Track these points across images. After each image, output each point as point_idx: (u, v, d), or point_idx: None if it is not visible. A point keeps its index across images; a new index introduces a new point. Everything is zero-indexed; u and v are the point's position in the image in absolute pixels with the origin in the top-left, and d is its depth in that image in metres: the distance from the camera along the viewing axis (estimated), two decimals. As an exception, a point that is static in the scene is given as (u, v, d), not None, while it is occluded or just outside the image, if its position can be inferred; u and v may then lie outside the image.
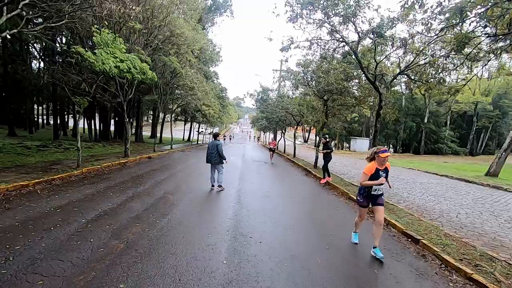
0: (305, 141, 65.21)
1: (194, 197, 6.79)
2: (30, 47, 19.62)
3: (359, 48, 7.98)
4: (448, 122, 44.05)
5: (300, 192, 8.31)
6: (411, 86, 7.51)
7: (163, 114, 32.71)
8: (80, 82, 9.96)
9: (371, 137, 44.60)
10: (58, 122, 19.17)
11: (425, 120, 41.65)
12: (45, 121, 41.96)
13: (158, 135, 33.97)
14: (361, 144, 41.93)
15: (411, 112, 42.75)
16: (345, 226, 5.30)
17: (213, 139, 7.94)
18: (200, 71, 18.16)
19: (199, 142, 33.25)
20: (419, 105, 43.66)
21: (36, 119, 38.35)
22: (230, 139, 47.21)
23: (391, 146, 50.98)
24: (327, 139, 9.57)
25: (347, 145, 54.07)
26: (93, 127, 24.99)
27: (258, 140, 51.89)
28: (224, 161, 7.81)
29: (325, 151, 9.64)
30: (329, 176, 9.52)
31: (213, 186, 7.86)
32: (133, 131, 32.05)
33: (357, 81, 10.51)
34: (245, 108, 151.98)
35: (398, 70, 7.80)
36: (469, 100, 42.46)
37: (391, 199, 7.60)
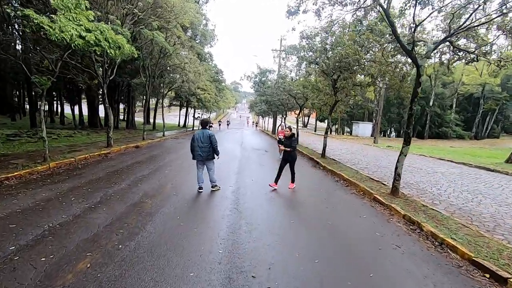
0: (305, 125, 63.69)
1: (178, 202, 5.33)
2: None
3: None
4: (454, 105, 42.38)
5: (311, 190, 6.86)
6: (453, 58, 5.94)
7: (155, 99, 30.88)
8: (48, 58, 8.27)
9: (374, 121, 43.10)
10: (44, 108, 17.41)
11: (431, 103, 40.03)
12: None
13: (152, 121, 32.32)
14: (364, 128, 40.46)
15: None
16: (385, 249, 3.88)
17: (201, 129, 6.19)
18: (192, 49, 16.32)
19: (194, 128, 31.60)
20: (425, 87, 41.87)
21: (22, 105, 36.47)
22: (227, 124, 44.61)
23: (393, 130, 49.62)
24: (291, 130, 7.33)
25: (348, 129, 52.65)
26: (78, 113, 23.24)
27: (256, 125, 50.10)
28: (216, 156, 6.30)
29: (286, 148, 7.12)
30: (293, 181, 7.08)
31: (201, 188, 6.20)
32: (126, 117, 30.30)
33: (370, 54, 8.86)
34: (242, 93, 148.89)
35: (432, 38, 6.21)
36: (476, 82, 40.71)
37: (422, 198, 6.20)
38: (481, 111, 42.81)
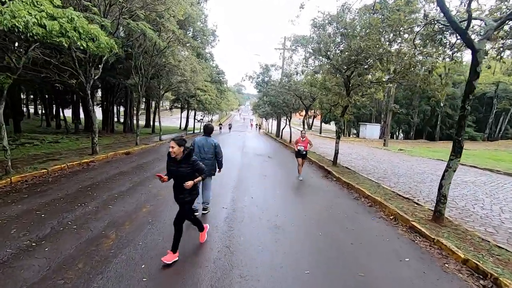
0: (309, 127, 62.16)
1: (151, 236, 4.00)
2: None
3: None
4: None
5: (327, 213, 5.46)
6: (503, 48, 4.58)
7: (149, 101, 29.71)
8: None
9: (382, 122, 41.47)
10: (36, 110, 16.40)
11: (441, 103, 38.30)
12: (37, 111, 39.06)
13: (152, 124, 31.19)
14: (372, 130, 38.85)
15: (426, 94, 39.28)
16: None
17: (204, 136, 4.89)
18: (189, 46, 15.08)
19: (195, 131, 30.40)
20: (434, 88, 40.13)
21: (22, 108, 35.62)
22: (229, 128, 42.41)
23: (401, 131, 47.84)
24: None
25: (355, 131, 50.98)
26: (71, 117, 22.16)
27: (260, 128, 48.62)
28: (218, 170, 5.01)
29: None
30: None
31: (194, 211, 4.80)
32: (124, 120, 29.18)
33: (397, 44, 7.46)
34: (246, 95, 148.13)
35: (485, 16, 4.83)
36: (489, 81, 38.86)
37: (470, 223, 4.80)
38: (494, 111, 40.92)
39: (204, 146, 4.76)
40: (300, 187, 7.53)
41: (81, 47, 6.18)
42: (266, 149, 16.84)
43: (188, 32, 23.24)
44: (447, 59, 7.10)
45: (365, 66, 8.38)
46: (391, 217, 4.98)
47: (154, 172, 8.28)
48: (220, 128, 38.14)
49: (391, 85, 8.88)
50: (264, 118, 41.37)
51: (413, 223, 4.42)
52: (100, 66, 10.60)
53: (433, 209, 5.27)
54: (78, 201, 5.41)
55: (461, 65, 11.18)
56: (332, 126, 59.81)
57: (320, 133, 49.39)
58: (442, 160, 15.29)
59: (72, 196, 5.74)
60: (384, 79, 8.38)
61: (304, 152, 8.13)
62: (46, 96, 26.44)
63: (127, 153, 12.20)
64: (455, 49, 6.04)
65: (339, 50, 8.60)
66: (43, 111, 30.30)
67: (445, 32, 5.86)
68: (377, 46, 6.58)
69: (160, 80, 16.71)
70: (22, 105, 35.98)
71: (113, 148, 13.10)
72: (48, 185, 6.54)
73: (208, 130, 4.92)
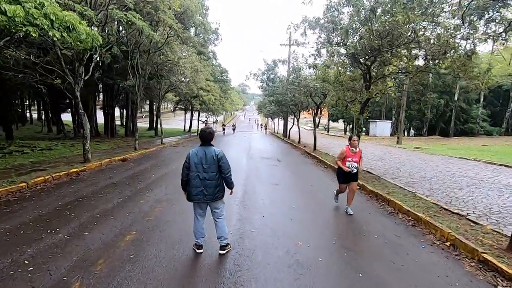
0: (316, 126, 60.77)
1: (131, 284, 2.92)
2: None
3: None
4: (482, 99, 38.66)
5: (361, 238, 4.26)
6: None
7: (152, 103, 28.78)
8: None
9: (393, 119, 39.90)
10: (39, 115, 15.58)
11: (455, 98, 36.58)
12: (40, 116, 38.48)
13: (155, 126, 30.31)
14: (382, 127, 37.37)
15: (439, 89, 37.57)
16: None
17: (202, 147, 3.53)
18: (189, 43, 14.06)
19: (199, 133, 29.38)
20: (447, 80, 38.38)
21: (25, 113, 35.18)
22: (233, 129, 39.93)
23: (411, 128, 46.09)
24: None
25: (364, 128, 49.39)
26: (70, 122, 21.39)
27: (266, 128, 47.29)
28: (230, 191, 3.69)
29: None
30: None
31: (200, 247, 3.60)
32: (125, 123, 28.34)
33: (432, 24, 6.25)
34: (250, 94, 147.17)
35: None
36: (505, 72, 36.95)
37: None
38: (511, 105, 38.98)
39: (203, 160, 3.43)
40: (316, 196, 6.38)
41: (54, 38, 5.14)
42: (274, 151, 15.72)
43: (188, 27, 22.19)
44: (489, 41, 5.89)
45: (389, 54, 7.18)
46: (447, 244, 3.80)
47: (148, 185, 7.23)
48: (224, 129, 36.44)
49: (408, 76, 7.62)
50: (270, 118, 40.21)
51: (485, 255, 3.24)
52: (90, 64, 9.63)
53: (496, 229, 4.09)
54: (50, 225, 4.38)
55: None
56: (339, 124, 58.32)
57: (328, 131, 48.05)
58: (466, 159, 13.95)
59: (45, 218, 4.71)
60: (411, 68, 7.18)
61: (356, 171, 5.26)
62: (47, 100, 25.77)
63: (124, 159, 11.22)
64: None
65: (357, 35, 7.42)
66: (44, 116, 29.66)
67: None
68: (406, 25, 5.40)
69: (160, 80, 15.73)
70: (25, 110, 35.69)
71: (109, 154, 12.15)
72: (22, 203, 5.55)
73: (205, 138, 3.48)
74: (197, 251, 3.58)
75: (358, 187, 7.00)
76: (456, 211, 4.92)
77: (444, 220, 4.40)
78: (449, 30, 5.79)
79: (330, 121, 51.53)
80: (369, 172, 8.66)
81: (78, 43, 6.36)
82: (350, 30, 7.21)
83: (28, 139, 16.12)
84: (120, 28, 14.62)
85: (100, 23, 8.66)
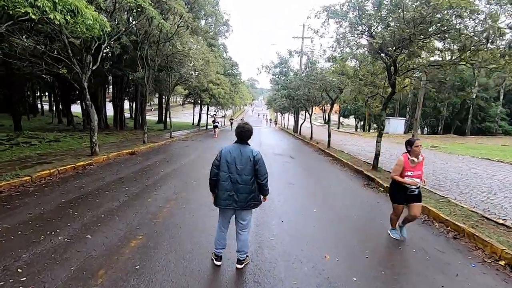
0: (326, 122, 59.69)
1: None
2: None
3: None
4: (502, 97, 37.02)
5: (397, 252, 3.72)
6: None
7: (161, 96, 28.46)
8: None
9: (407, 116, 38.72)
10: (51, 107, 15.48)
11: (473, 95, 35.09)
12: (51, 108, 38.78)
13: (165, 120, 30.09)
14: (395, 125, 36.22)
15: (456, 86, 36.15)
16: None
17: (237, 144, 3.08)
18: (199, 32, 13.56)
19: (209, 127, 29.04)
20: (465, 77, 36.83)
21: (37, 104, 35.52)
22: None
23: (425, 126, 44.68)
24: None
25: (375, 126, 48.19)
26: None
27: (276, 124, 46.28)
28: (263, 198, 3.23)
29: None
30: None
31: (219, 258, 3.15)
32: (134, 116, 28.17)
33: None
34: (259, 89, 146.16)
35: None
36: (527, 69, 35.18)
37: None
38: (533, 103, 37.28)
39: (237, 161, 2.96)
40: (336, 199, 5.86)
41: (56, 22, 4.71)
42: (286, 147, 15.19)
43: (200, 17, 21.63)
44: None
45: (420, 44, 6.54)
46: (501, 263, 3.25)
47: (156, 181, 6.85)
48: (231, 123, 35.42)
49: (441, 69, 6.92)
50: (279, 113, 39.56)
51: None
52: (98, 54, 9.26)
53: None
54: (50, 225, 4.02)
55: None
56: (350, 121, 57.20)
57: (338, 128, 47.10)
58: (489, 159, 13.16)
59: (46, 216, 4.36)
60: (444, 61, 6.52)
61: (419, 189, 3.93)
62: (57, 92, 25.75)
63: (132, 153, 10.90)
64: None
65: (384, 24, 6.79)
66: (54, 108, 29.76)
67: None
68: (448, 11, 4.77)
69: (170, 72, 15.33)
70: (37, 101, 36.02)
71: (118, 147, 11.87)
72: (24, 199, 5.23)
73: (243, 135, 3.02)
74: (215, 262, 3.14)
75: (381, 189, 6.46)
76: (500, 221, 4.33)
77: (491, 233, 3.84)
78: (493, 17, 5.12)
79: (341, 117, 50.52)
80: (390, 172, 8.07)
81: (85, 29, 5.95)
82: (377, 18, 6.57)
83: (37, 130, 16.03)
84: (131, 19, 14.25)
85: (108, 10, 8.24)
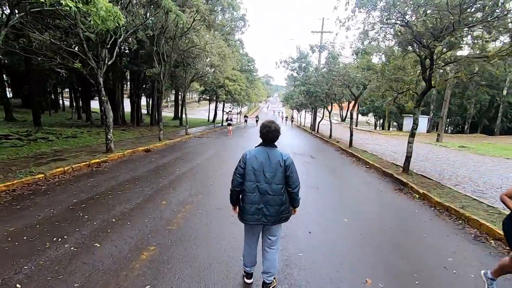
0: (343, 119, 58.09)
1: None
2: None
3: None
4: (536, 94, 34.48)
5: (450, 276, 3.11)
6: None
7: (178, 92, 28.39)
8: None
9: (431, 114, 36.94)
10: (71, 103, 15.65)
11: (504, 92, 32.92)
12: (72, 103, 39.77)
13: (180, 116, 30.12)
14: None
15: (485, 82, 33.99)
16: None
17: (262, 147, 2.60)
18: (214, 26, 13.17)
19: (223, 124, 28.75)
20: (496, 73, 34.61)
21: (59, 100, 36.49)
22: (256, 121, 36.14)
23: (449, 125, 42.47)
24: None
25: (395, 123, 46.37)
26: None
27: (292, 121, 45.01)
28: (293, 211, 2.75)
29: None
30: None
31: (249, 275, 2.77)
32: (151, 112, 28.30)
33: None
34: (274, 86, 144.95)
35: None
36: None
37: None
38: None
39: (265, 167, 2.49)
40: (371, 210, 5.28)
41: (66, 8, 4.39)
42: (305, 146, 14.60)
43: (216, 10, 21.21)
44: None
45: (463, 34, 5.81)
46: None
47: (171, 181, 6.50)
48: (246, 120, 33.70)
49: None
50: (296, 110, 38.74)
51: None
52: (114, 51, 9.04)
53: None
54: (58, 231, 3.72)
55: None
56: (366, 119, 55.45)
57: (356, 125, 45.73)
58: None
59: (54, 220, 4.08)
60: (492, 52, 5.75)
61: None
62: (77, 88, 26.23)
63: (147, 150, 10.69)
64: None
65: (421, 11, 6.07)
66: (74, 104, 30.38)
67: None
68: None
69: (186, 68, 15.05)
70: (58, 97, 37.02)
71: (133, 143, 11.71)
72: (35, 198, 5.01)
73: (270, 136, 2.53)
74: (246, 280, 2.76)
75: (417, 195, 5.81)
76: None
77: None
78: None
79: (359, 115, 49.00)
80: (423, 176, 7.36)
81: (99, 21, 5.64)
82: (414, 3, 5.87)
83: (57, 126, 16.24)
84: (148, 15, 14.06)
85: (122, 2, 7.96)
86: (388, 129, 44.27)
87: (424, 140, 23.86)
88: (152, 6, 10.04)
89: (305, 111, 35.27)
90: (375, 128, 44.79)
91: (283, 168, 2.49)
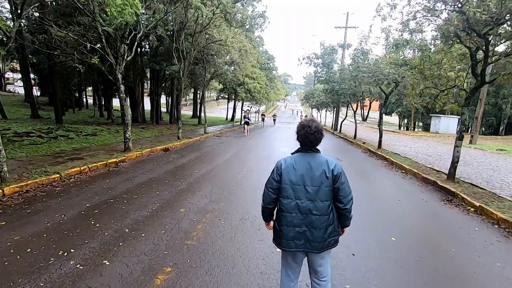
0: (364, 119, 56.01)
1: None
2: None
3: None
4: None
5: None
6: None
7: (196, 91, 28.21)
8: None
9: (465, 114, 34.66)
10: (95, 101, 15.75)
11: (546, 90, 30.23)
12: (95, 101, 40.86)
13: (199, 115, 30.03)
14: (447, 123, 32.58)
15: (523, 80, 31.32)
16: None
17: (301, 153, 2.00)
18: (237, 21, 12.66)
19: (241, 123, 28.28)
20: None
21: (82, 98, 37.54)
22: (273, 120, 33.57)
23: (482, 126, 39.65)
24: None
25: (421, 124, 44.00)
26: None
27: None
28: (341, 232, 2.09)
29: None
30: None
31: None
32: (170, 110, 28.36)
33: None
34: (292, 85, 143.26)
35: None
36: None
37: None
38: None
39: (307, 179, 1.94)
40: (420, 226, 4.53)
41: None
42: (329, 147, 13.81)
43: (236, 6, 20.74)
44: None
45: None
46: None
47: (190, 184, 6.03)
48: (263, 119, 31.32)
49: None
50: (315, 109, 37.66)
51: None
52: (133, 46, 8.73)
53: None
54: (65, 242, 3.31)
55: None
56: (392, 118, 53.26)
57: (379, 126, 43.84)
58: None
59: (63, 228, 3.69)
60: None
61: None
62: (100, 86, 26.67)
63: (166, 149, 10.36)
64: None
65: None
66: (97, 101, 31.02)
67: None
68: None
69: (206, 65, 14.67)
70: (82, 95, 38.10)
71: (152, 142, 11.45)
72: (48, 201, 4.68)
73: (312, 138, 1.95)
74: None
75: (471, 208, 4.97)
76: None
77: None
78: None
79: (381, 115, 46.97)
80: (473, 184, 6.45)
81: (115, 13, 5.25)
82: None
83: (79, 123, 16.40)
84: (167, 10, 13.80)
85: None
86: (413, 129, 42.10)
87: (453, 141, 22.21)
88: (172, 0, 9.66)
89: (326, 110, 34.14)
90: (399, 128, 42.77)
91: (330, 179, 1.91)
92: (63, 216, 4.09)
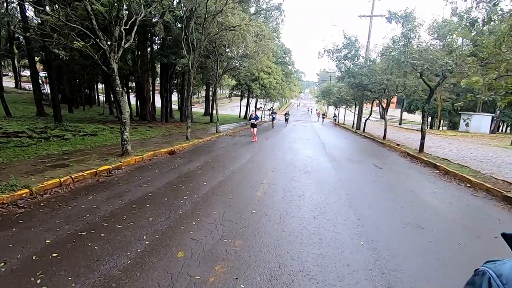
0: (382, 117, 53.29)
1: None
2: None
3: None
4: None
5: None
6: None
7: (208, 87, 26.78)
8: None
9: (498, 111, 31.83)
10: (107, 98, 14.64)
11: None
12: (107, 99, 40.28)
13: (211, 112, 28.70)
14: (478, 122, 29.87)
15: None
16: None
17: None
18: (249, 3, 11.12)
19: (249, 121, 26.63)
20: None
21: (93, 95, 37.01)
22: (286, 119, 26.95)
23: (510, 124, 36.34)
24: None
25: (448, 122, 41.03)
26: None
27: (323, 117, 37.52)
28: None
29: None
30: None
31: None
32: (180, 107, 27.16)
33: None
34: (305, 82, 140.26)
35: None
36: None
37: None
38: None
39: None
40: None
41: None
42: (358, 151, 12.07)
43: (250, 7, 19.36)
44: None
45: None
46: None
47: (197, 200, 4.56)
48: (273, 118, 24.60)
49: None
50: (334, 106, 35.62)
51: None
52: (133, 31, 7.32)
53: None
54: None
55: None
56: (415, 117, 50.32)
57: (400, 124, 41.31)
58: None
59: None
60: None
61: None
62: (109, 83, 25.77)
63: (171, 152, 8.96)
64: None
65: None
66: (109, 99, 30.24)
67: None
68: None
69: (218, 57, 13.22)
70: (94, 93, 37.57)
71: (157, 143, 10.08)
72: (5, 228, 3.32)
73: None
74: None
75: None
76: None
77: None
78: None
79: (403, 113, 44.26)
80: None
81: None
82: None
83: (85, 121, 15.33)
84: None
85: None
86: (439, 127, 39.28)
87: (490, 142, 19.88)
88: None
89: (345, 108, 32.05)
90: (429, 128, 40.02)
91: None
92: (6, 263, 2.70)
